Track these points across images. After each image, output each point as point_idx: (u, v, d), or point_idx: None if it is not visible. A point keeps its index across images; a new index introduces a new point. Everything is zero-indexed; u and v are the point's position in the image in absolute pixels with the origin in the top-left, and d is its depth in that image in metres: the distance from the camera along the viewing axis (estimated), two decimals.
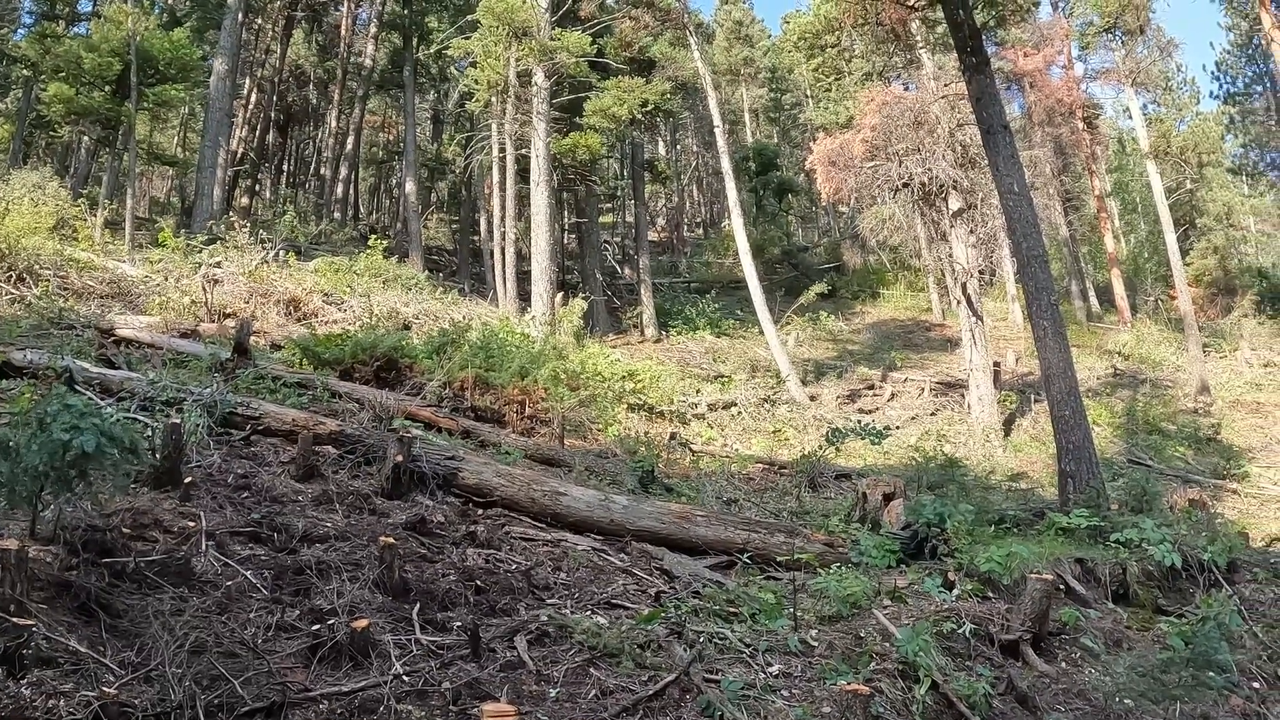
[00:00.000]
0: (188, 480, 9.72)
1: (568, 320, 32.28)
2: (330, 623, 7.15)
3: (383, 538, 8.56)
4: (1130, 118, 50.04)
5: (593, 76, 38.60)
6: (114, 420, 7.43)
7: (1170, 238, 42.23)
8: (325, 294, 27.53)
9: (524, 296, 36.03)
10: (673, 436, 22.88)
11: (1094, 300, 55.37)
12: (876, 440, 13.18)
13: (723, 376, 33.39)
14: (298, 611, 7.51)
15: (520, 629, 7.85)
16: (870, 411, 31.60)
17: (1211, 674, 7.82)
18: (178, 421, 10.25)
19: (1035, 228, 16.58)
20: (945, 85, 31.00)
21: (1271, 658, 11.68)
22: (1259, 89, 57.43)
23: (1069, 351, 16.36)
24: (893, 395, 34.29)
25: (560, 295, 36.01)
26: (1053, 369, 15.86)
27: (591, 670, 7.25)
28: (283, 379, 16.35)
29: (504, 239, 38.58)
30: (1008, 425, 29.96)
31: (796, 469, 21.02)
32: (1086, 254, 61.03)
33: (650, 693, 6.86)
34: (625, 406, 25.62)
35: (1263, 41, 45.14)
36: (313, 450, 11.78)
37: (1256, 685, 10.81)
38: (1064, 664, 9.89)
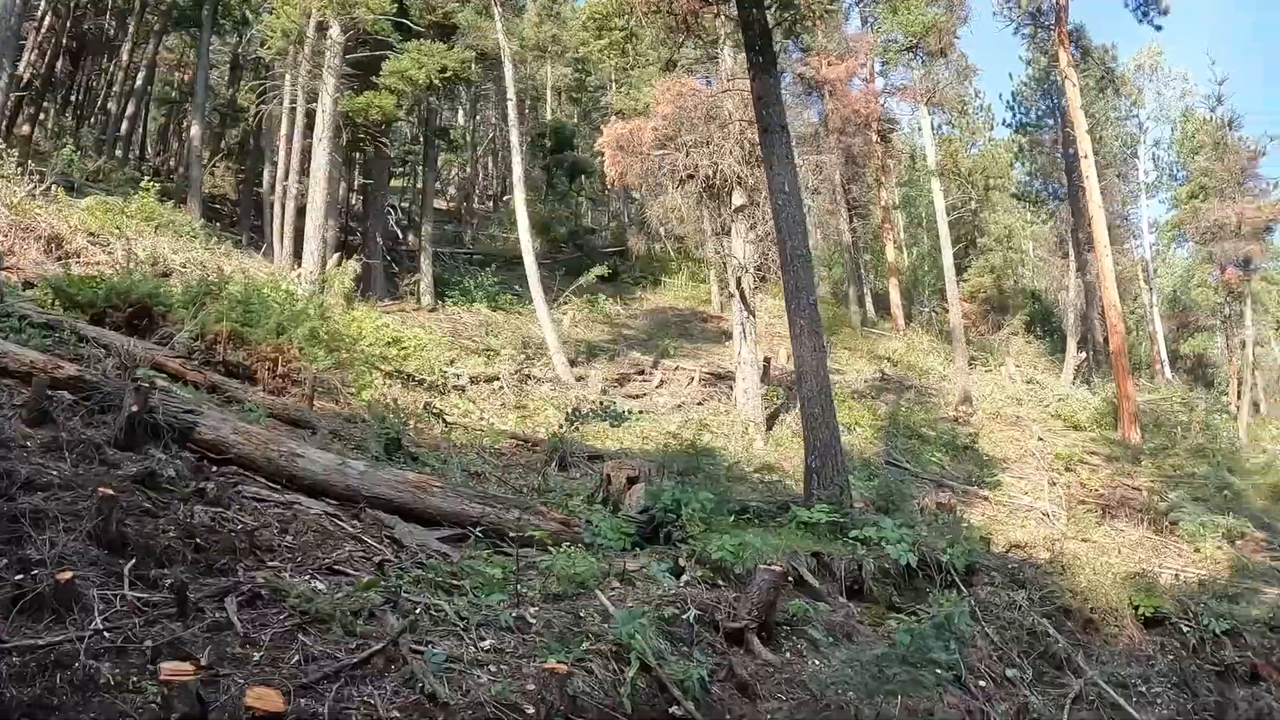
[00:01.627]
0: None
1: (338, 281, 31.72)
2: (35, 573, 6.94)
3: (102, 489, 8.32)
4: (923, 135, 51.43)
5: (394, 36, 37.92)
6: None
7: (947, 253, 43.55)
8: (91, 234, 26.57)
9: (301, 254, 35.33)
10: (427, 406, 22.71)
11: (870, 307, 56.82)
12: (616, 421, 13.26)
13: (491, 350, 33.30)
14: (5, 560, 7.24)
15: (233, 590, 7.72)
16: (638, 396, 31.86)
17: (925, 671, 8.06)
18: None
19: (801, 227, 16.94)
20: (729, 80, 31.36)
21: (1001, 658, 12.16)
22: (1050, 122, 59.53)
23: (823, 350, 16.80)
24: (662, 382, 34.55)
25: (337, 256, 35.45)
26: (806, 366, 16.23)
27: (300, 636, 7.19)
28: (29, 318, 15.79)
29: (285, 194, 37.91)
30: (771, 420, 30.49)
31: (547, 447, 21.10)
32: (868, 262, 62.66)
33: (355, 661, 6.87)
34: (384, 373, 25.28)
35: (1059, 78, 46.87)
36: (48, 395, 11.39)
37: (983, 684, 11.24)
38: (789, 654, 10.13)
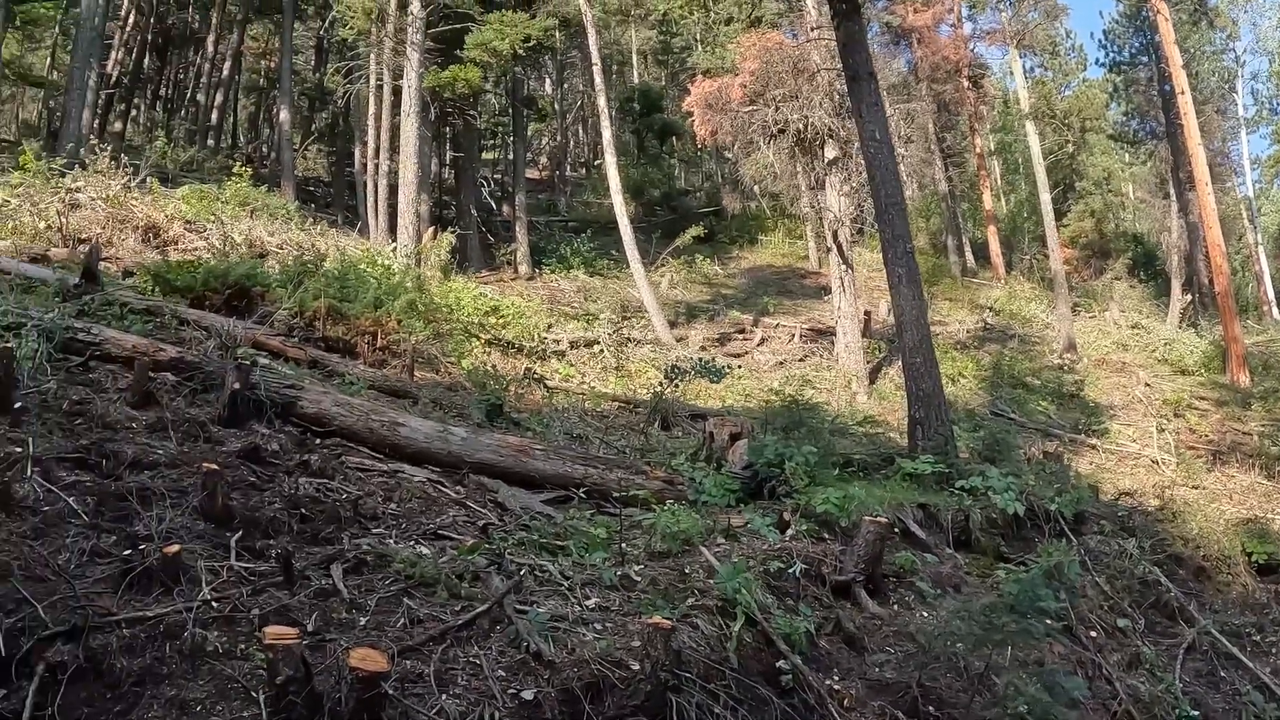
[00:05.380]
0: (18, 406, 9.49)
1: (434, 254, 31.91)
2: (144, 548, 7.02)
3: (205, 464, 8.44)
4: (1015, 79, 50.62)
5: (475, 9, 37.99)
6: None
7: (1045, 197, 42.79)
8: (188, 221, 27.01)
9: (396, 230, 35.67)
10: (527, 371, 22.82)
11: (970, 256, 56.01)
12: (715, 378, 13.08)
13: (590, 315, 33.37)
14: (115, 537, 7.39)
15: (338, 557, 7.80)
16: (739, 355, 31.80)
17: (1034, 621, 7.90)
18: (9, 345, 10.04)
19: (895, 175, 16.68)
20: (814, 30, 31.09)
21: (1112, 608, 11.94)
22: (1144, 59, 57.89)
23: (923, 300, 16.54)
24: (763, 340, 34.47)
25: (432, 229, 35.67)
26: (906, 316, 16.01)
27: (405, 600, 7.22)
28: (130, 305, 16.03)
29: (377, 171, 38.27)
30: (874, 373, 30.32)
31: (649, 407, 21.05)
32: (965, 210, 61.70)
33: (460, 623, 6.88)
34: (483, 341, 25.47)
35: (1150, 13, 45.72)
36: (151, 377, 11.54)
37: (1094, 634, 11.03)
38: (897, 606, 10.01)
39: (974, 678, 8.13)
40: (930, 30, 50.56)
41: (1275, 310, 58.40)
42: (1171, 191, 54.32)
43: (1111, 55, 61.11)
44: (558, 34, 42.54)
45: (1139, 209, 67.61)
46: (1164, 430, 28.44)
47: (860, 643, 8.83)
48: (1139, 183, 66.06)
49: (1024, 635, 7.81)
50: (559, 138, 72.27)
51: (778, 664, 7.56)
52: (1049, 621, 8.12)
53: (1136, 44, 59.05)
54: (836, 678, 8.15)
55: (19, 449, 8.52)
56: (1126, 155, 65.75)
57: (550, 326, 30.24)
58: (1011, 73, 51.58)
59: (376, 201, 38.13)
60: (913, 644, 8.73)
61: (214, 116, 59.33)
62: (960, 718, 7.92)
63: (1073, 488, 15.05)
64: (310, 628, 6.47)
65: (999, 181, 70.50)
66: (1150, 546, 14.21)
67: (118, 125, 51.52)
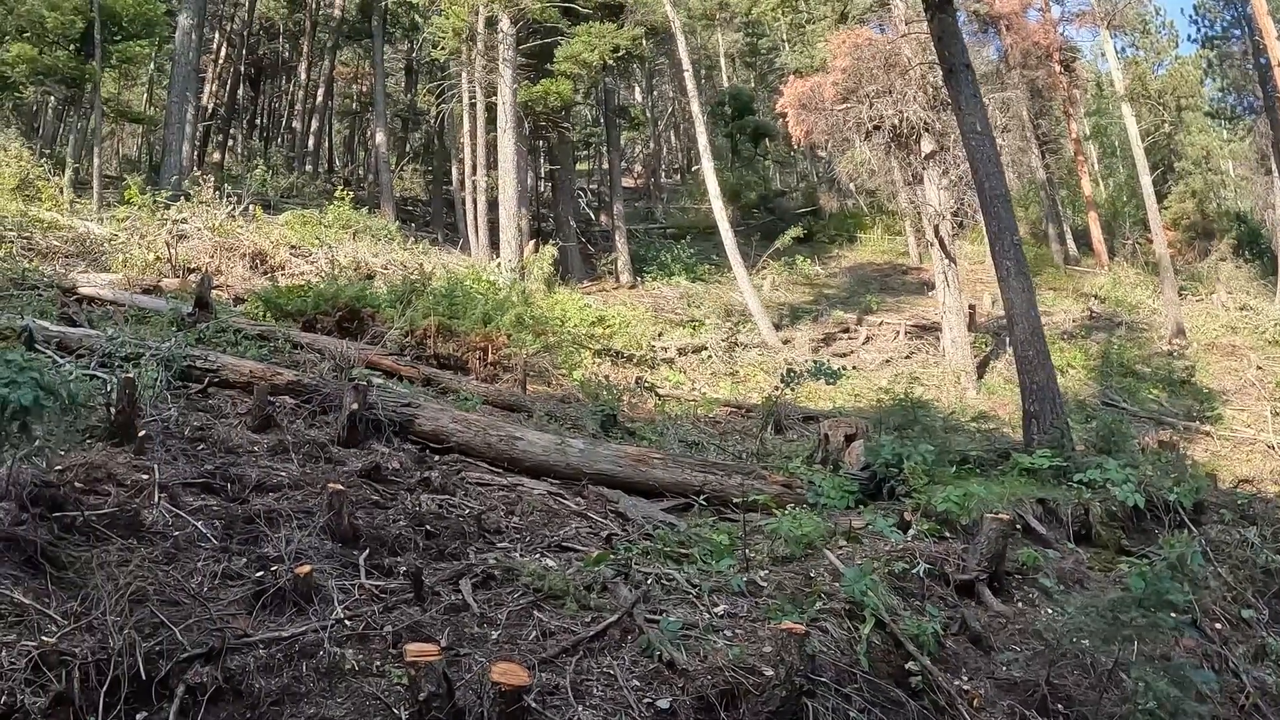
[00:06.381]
0: (142, 434, 9.66)
1: (537, 267, 32.19)
2: (275, 569, 7.12)
3: (331, 485, 8.53)
4: (1107, 61, 49.85)
5: (563, 23, 38.21)
6: (71, 375, 7.31)
7: (1146, 180, 41.98)
8: (293, 247, 27.43)
9: (496, 245, 35.95)
10: (638, 381, 22.94)
11: (1071, 243, 55.18)
12: (831, 379, 13.00)
13: (695, 321, 33.43)
14: (245, 559, 7.54)
15: (466, 572, 7.87)
16: (845, 355, 31.67)
17: (1162, 615, 7.76)
18: (131, 376, 10.21)
19: (998, 167, 16.48)
20: (905, 25, 30.92)
21: (1236, 599, 11.65)
22: (1237, 33, 56.50)
23: (1032, 292, 16.30)
24: (868, 338, 34.36)
25: (533, 243, 35.94)
26: (1016, 309, 15.81)
27: (535, 612, 7.27)
28: (243, 331, 16.36)
29: (475, 188, 38.55)
30: (981, 367, 30.06)
31: (762, 411, 21.02)
32: (1064, 197, 60.74)
33: (591, 634, 6.88)
34: (592, 352, 25.68)
35: None
36: (270, 401, 11.73)
37: (1219, 626, 10.79)
38: (1021, 604, 9.85)
39: (1102, 674, 7.96)
40: (1018, 16, 49.84)
41: None
42: (1273, 167, 53.09)
43: (1203, 30, 59.83)
44: (645, 42, 42.57)
45: (1240, 187, 66.18)
46: (1279, 414, 27.92)
47: (986, 641, 8.70)
48: (1239, 159, 64.65)
49: (1151, 630, 7.65)
50: (652, 145, 72.45)
51: (907, 665, 7.48)
52: (1175, 615, 7.98)
53: (1228, 17, 57.71)
54: (965, 678, 8.04)
55: (145, 476, 8.70)
56: (1225, 132, 64.32)
57: (660, 334, 30.37)
58: (1103, 54, 50.87)
59: (476, 218, 38.44)
60: (1039, 641, 8.59)
61: (310, 142, 60.25)
62: (1090, 715, 7.77)
63: (1190, 477, 14.73)
64: (444, 643, 6.50)
65: (1097, 166, 69.37)
66: (1272, 534, 13.88)
67: (216, 156, 52.43)
